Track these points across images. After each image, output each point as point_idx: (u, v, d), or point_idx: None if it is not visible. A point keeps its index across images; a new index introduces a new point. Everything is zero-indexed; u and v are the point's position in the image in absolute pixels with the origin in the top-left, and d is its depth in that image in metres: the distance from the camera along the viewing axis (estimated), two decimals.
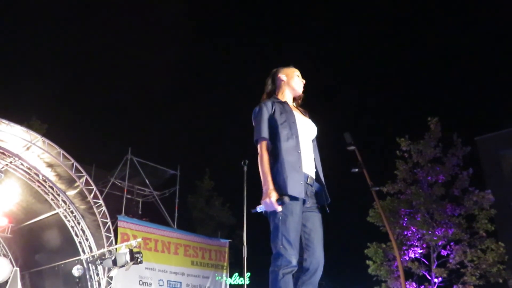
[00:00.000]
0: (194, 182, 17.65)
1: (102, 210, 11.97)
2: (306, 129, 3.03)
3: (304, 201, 2.81)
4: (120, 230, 12.58)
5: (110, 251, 11.56)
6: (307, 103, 3.22)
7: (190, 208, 18.11)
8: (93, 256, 11.74)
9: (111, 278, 11.73)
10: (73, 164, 11.49)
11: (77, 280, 11.70)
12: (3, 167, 11.57)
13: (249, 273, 13.86)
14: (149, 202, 15.61)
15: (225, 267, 15.35)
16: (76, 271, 11.85)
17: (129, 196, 14.49)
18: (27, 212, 13.01)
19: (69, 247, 12.09)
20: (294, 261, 2.71)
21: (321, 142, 3.16)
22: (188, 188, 16.17)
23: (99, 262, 11.19)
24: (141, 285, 12.72)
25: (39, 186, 11.84)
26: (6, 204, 13.34)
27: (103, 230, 11.95)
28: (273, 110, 2.95)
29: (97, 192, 11.96)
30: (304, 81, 3.17)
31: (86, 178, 11.71)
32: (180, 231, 14.75)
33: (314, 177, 2.94)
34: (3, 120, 10.45)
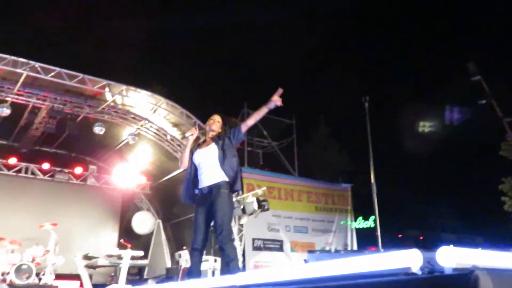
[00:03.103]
0: (310, 130, 17.81)
1: None
2: (203, 154, 4.39)
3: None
4: (245, 180, 13.23)
5: (238, 201, 12.30)
6: None
7: (308, 156, 18.37)
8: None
9: (242, 225, 12.55)
10: (195, 122, 12.24)
11: (211, 228, 12.71)
12: (136, 130, 12.76)
13: (373, 216, 13.87)
14: (269, 153, 16.12)
15: (349, 211, 15.46)
16: None
17: (249, 149, 15.11)
18: (161, 170, 14.27)
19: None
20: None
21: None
22: (305, 136, 16.38)
23: None
24: (270, 231, 13.42)
25: (168, 145, 12.86)
26: (142, 164, 14.79)
27: None
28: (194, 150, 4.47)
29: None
30: (215, 120, 4.59)
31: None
32: (301, 179, 15.10)
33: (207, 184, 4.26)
34: (131, 87, 11.41)
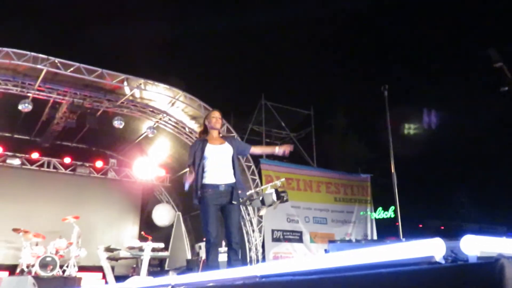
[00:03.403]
0: (328, 120, 17.72)
1: None
2: (218, 151, 4.48)
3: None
4: (263, 172, 13.27)
5: (257, 192, 12.34)
6: None
7: (327, 146, 18.30)
8: (242, 198, 12.65)
9: (261, 217, 12.59)
10: (219, 109, 12.28)
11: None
12: (154, 123, 12.86)
13: (393, 207, 13.76)
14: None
15: (368, 202, 15.37)
16: None
17: (267, 140, 15.11)
18: (180, 162, 14.37)
19: None
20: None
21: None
22: (323, 126, 16.31)
23: (248, 203, 12.03)
24: (289, 222, 13.43)
25: (186, 138, 12.94)
26: (161, 157, 14.92)
27: (248, 174, 12.77)
28: (196, 147, 4.53)
29: (239, 138, 12.73)
30: (217, 118, 4.70)
31: (227, 126, 12.49)
32: (320, 169, 15.05)
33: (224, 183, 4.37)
34: (149, 81, 11.49)
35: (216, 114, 4.77)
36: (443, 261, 1.41)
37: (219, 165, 4.43)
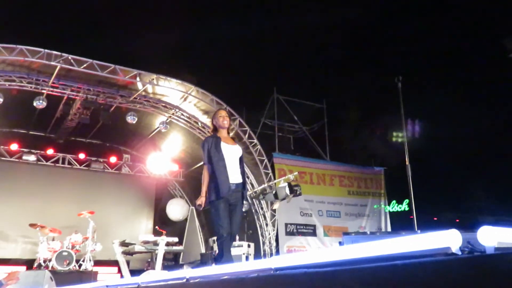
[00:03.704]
0: (341, 113, 17.61)
1: (257, 149, 12.75)
2: (232, 150, 4.68)
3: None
4: (276, 166, 13.27)
5: (270, 186, 12.35)
6: None
7: (340, 140, 18.20)
8: (255, 192, 12.67)
9: (274, 211, 12.61)
10: (226, 108, 12.31)
11: (245, 214, 12.83)
12: (167, 119, 12.91)
13: (407, 200, 13.68)
14: (300, 138, 16.06)
15: (382, 195, 15.31)
16: (243, 206, 12.98)
17: (280, 134, 15.08)
18: (193, 157, 14.43)
19: None
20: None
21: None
22: (336, 119, 16.19)
23: (261, 197, 12.05)
24: (302, 216, 13.43)
25: (199, 133, 12.98)
26: (174, 152, 14.99)
27: (261, 167, 12.78)
28: (209, 145, 4.68)
29: (251, 133, 12.73)
30: (225, 117, 4.82)
31: (239, 120, 12.49)
32: (333, 163, 15.00)
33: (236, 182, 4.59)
34: (161, 76, 11.53)
35: (223, 113, 4.92)
36: (459, 253, 1.40)
37: (231, 164, 4.62)
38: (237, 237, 11.68)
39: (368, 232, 10.19)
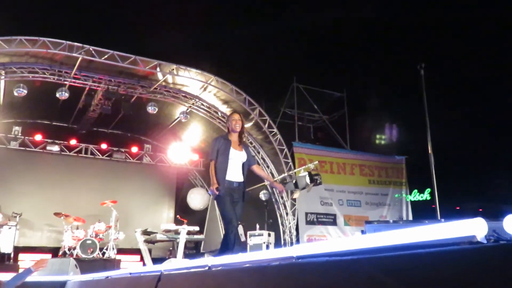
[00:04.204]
0: (361, 102, 17.43)
1: (277, 138, 12.74)
2: (237, 156, 5.16)
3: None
4: (296, 155, 13.24)
5: (290, 176, 12.34)
6: None
7: (361, 128, 18.04)
8: (275, 181, 12.68)
9: (294, 200, 12.60)
10: (245, 98, 12.30)
11: (265, 203, 12.87)
12: (187, 109, 12.98)
13: (429, 189, 13.51)
14: (320, 127, 15.97)
15: (403, 184, 15.17)
16: (263, 195, 13.02)
17: (300, 123, 15.01)
18: None
19: (254, 175, 13.20)
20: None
21: None
22: (356, 108, 16.03)
23: None
24: (323, 205, 13.40)
25: (219, 122, 13.01)
26: (194, 142, 15.09)
27: (281, 157, 12.78)
28: (219, 144, 5.16)
29: (271, 122, 12.71)
30: (237, 120, 5.22)
31: (259, 110, 12.48)
32: (353, 152, 14.90)
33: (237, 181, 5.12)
34: (181, 66, 11.57)
35: (236, 117, 5.31)
36: (485, 241, 1.38)
37: (235, 167, 5.17)
38: (257, 226, 11.74)
39: (391, 221, 10.11)
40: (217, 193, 4.97)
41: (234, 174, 5.13)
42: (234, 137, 5.27)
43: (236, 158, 5.18)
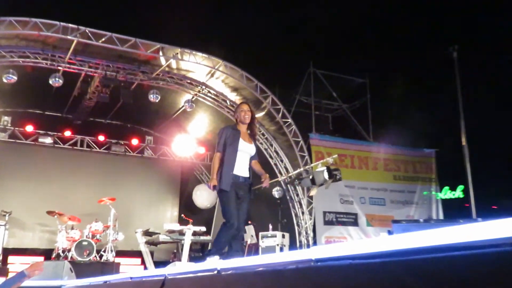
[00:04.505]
0: (386, 88, 17.32)
1: (292, 129, 12.72)
2: (247, 148, 5.22)
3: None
4: (313, 148, 13.22)
5: (306, 171, 12.32)
6: None
7: (385, 118, 17.93)
8: (290, 177, 12.68)
9: (311, 198, 12.60)
10: (256, 85, 12.29)
11: (278, 201, 12.87)
12: (193, 97, 13.00)
13: (461, 186, 13.42)
14: (339, 116, 15.92)
15: (433, 180, 15.08)
16: (276, 193, 13.02)
17: (317, 113, 14.97)
18: None
19: (266, 170, 13.11)
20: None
21: None
22: (380, 96, 15.92)
23: (297, 183, 12.06)
24: (343, 203, 13.39)
25: (228, 112, 13.02)
26: (200, 133, 15.12)
27: (296, 150, 12.76)
28: (227, 134, 5.21)
29: (285, 111, 12.68)
30: (246, 111, 5.27)
31: (272, 98, 12.46)
32: (377, 144, 14.82)
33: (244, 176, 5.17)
34: (186, 50, 11.56)
35: (245, 107, 5.35)
36: None
37: (243, 160, 5.21)
38: (270, 227, 11.76)
39: (421, 220, 10.06)
40: (213, 190, 5.12)
41: (241, 168, 5.18)
42: (243, 128, 5.35)
43: (245, 150, 5.24)
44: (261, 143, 13.13)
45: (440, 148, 15.38)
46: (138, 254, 11.33)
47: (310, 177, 11.16)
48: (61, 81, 11.18)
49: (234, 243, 5.10)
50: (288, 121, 12.70)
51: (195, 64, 11.86)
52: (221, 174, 5.07)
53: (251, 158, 5.31)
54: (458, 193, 13.99)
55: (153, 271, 5.53)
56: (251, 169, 5.29)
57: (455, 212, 14.23)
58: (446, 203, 14.66)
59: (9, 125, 13.40)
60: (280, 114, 12.58)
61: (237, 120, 5.36)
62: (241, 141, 5.19)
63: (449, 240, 1.55)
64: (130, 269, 11.65)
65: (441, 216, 14.50)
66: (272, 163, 13.26)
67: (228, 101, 12.88)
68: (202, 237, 9.91)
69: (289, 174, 12.80)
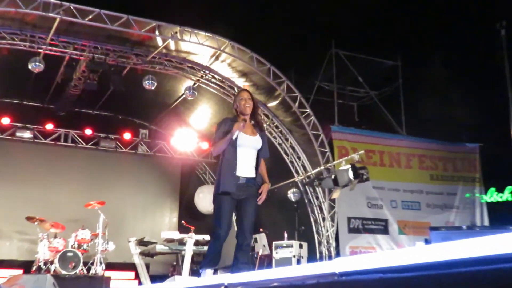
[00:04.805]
0: (421, 72, 17.23)
1: (311, 120, 12.68)
2: (249, 142, 5.12)
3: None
4: (335, 143, 13.18)
5: (328, 169, 12.30)
6: None
7: (420, 108, 17.84)
8: (309, 177, 12.67)
9: (334, 201, 12.58)
10: (269, 68, 12.25)
11: (295, 205, 12.86)
12: (194, 83, 13.01)
13: (510, 187, 13.32)
14: (366, 105, 15.85)
15: (477, 180, 15.02)
16: (292, 195, 13.01)
17: (340, 101, 14.92)
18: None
19: (280, 169, 13.17)
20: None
21: None
22: (414, 81, 15.84)
23: (317, 183, 12.05)
24: (370, 207, 13.36)
25: None
26: (203, 125, 15.12)
27: (315, 145, 12.72)
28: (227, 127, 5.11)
29: (302, 100, 12.63)
30: (246, 100, 5.17)
31: (287, 84, 12.41)
32: (411, 138, 14.78)
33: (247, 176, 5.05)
34: (186, 28, 11.54)
35: (245, 95, 5.28)
36: None
37: (244, 157, 5.10)
38: (286, 235, 11.77)
39: (464, 227, 10.03)
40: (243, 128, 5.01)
41: (244, 167, 5.08)
42: (245, 119, 5.26)
43: (247, 145, 5.14)
44: (274, 137, 13.14)
45: (485, 143, 15.27)
46: (131, 267, 11.38)
47: (332, 177, 11.16)
48: (42, 66, 11.24)
49: (240, 254, 5.06)
50: (306, 111, 12.67)
51: (197, 45, 11.86)
52: (219, 175, 5.06)
53: (259, 153, 5.19)
54: (507, 195, 13.93)
55: (148, 287, 5.57)
56: (258, 168, 5.17)
57: (503, 217, 14.15)
58: (492, 206, 14.60)
59: None
60: (296, 103, 12.55)
61: (237, 110, 5.29)
62: (241, 134, 5.08)
63: (497, 250, 1.56)
64: (122, 284, 11.73)
65: (486, 222, 14.45)
66: (288, 161, 13.26)
67: (235, 88, 12.89)
68: (205, 248, 9.94)
69: (308, 174, 12.80)
